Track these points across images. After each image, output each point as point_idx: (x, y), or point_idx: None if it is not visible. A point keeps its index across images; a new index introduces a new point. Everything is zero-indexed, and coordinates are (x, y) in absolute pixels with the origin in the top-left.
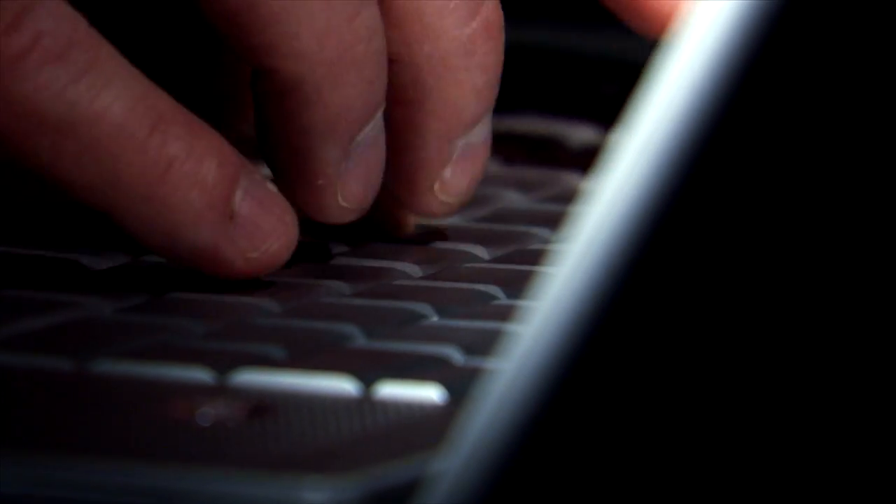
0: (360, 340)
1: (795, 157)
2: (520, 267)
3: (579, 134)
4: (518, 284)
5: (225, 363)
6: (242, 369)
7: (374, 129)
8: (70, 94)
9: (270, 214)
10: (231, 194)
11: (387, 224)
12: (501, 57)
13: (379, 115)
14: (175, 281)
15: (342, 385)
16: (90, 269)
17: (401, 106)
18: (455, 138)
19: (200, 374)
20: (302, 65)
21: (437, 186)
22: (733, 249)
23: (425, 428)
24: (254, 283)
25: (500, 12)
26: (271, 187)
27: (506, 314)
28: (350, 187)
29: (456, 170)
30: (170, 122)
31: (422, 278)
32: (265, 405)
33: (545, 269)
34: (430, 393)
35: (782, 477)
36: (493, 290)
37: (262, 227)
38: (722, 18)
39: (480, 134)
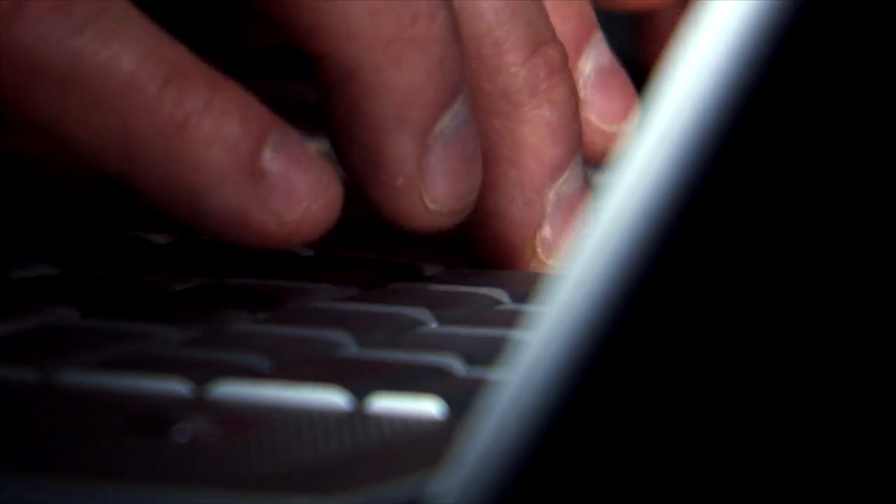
0: (352, 349)
1: (811, 155)
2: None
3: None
4: (524, 287)
5: (204, 374)
6: (223, 381)
7: (456, 117)
8: (74, 44)
9: (307, 172)
10: (258, 151)
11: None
12: (572, 95)
13: (461, 100)
14: (149, 284)
15: (332, 398)
16: (56, 272)
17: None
18: (540, 187)
19: (177, 386)
20: (357, 46)
21: (539, 249)
22: (751, 254)
23: (423, 445)
24: (236, 286)
25: (561, 47)
26: (306, 144)
27: (511, 320)
28: (435, 186)
29: (551, 226)
30: (185, 75)
31: (419, 281)
32: (248, 420)
33: (553, 271)
34: (428, 406)
35: (798, 492)
36: (497, 293)
37: (298, 186)
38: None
39: (571, 184)
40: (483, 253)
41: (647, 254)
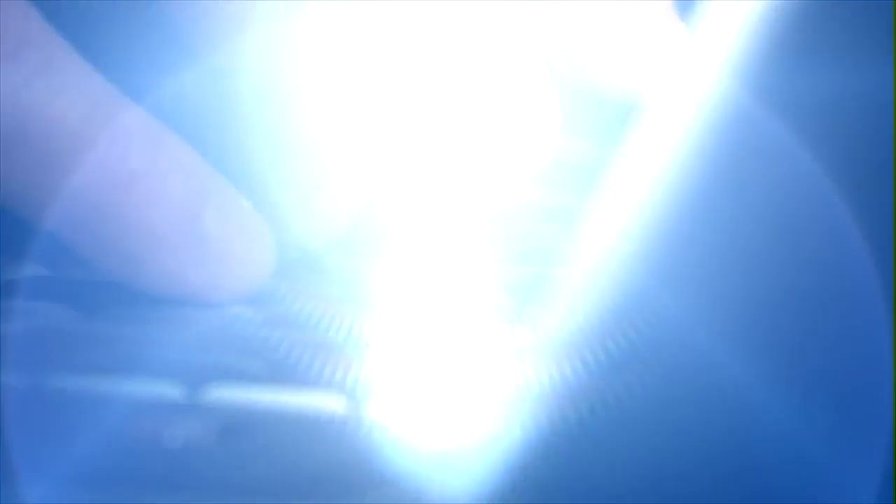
0: (349, 352)
1: None
2: (528, 269)
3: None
4: (526, 288)
5: (197, 377)
6: (216, 384)
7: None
8: (22, 98)
9: (244, 236)
10: (199, 213)
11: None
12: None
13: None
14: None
15: (329, 402)
16: (47, 274)
17: None
18: None
19: (170, 390)
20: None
21: None
22: (752, 260)
23: (422, 448)
24: None
25: None
26: (245, 204)
27: (509, 321)
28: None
29: None
30: (131, 132)
31: (417, 282)
32: (242, 424)
33: (556, 272)
34: (426, 409)
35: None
36: (496, 294)
37: (234, 249)
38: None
39: None
40: None
41: (654, 250)
